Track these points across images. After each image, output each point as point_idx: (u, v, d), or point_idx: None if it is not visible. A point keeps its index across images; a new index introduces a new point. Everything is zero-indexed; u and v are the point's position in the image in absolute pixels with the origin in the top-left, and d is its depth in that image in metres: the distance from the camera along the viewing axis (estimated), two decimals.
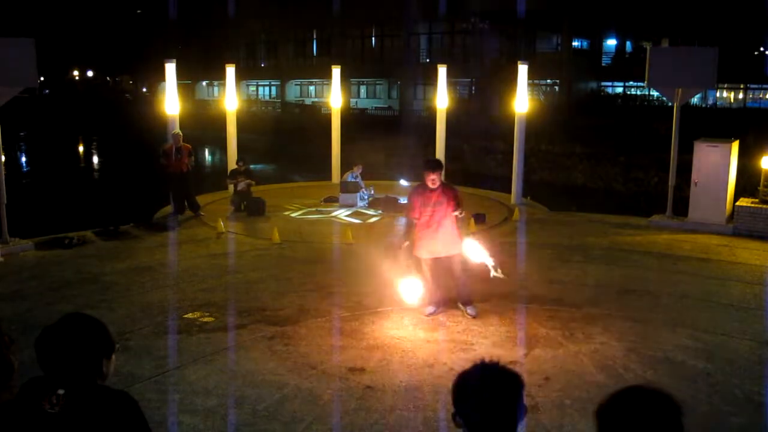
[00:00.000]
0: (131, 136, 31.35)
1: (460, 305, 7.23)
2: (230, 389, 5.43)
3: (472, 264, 7.20)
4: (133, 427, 2.17)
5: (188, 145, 12.39)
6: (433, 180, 6.90)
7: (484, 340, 6.51)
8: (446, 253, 7.07)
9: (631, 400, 1.88)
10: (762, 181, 11.22)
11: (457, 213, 6.99)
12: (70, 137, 39.18)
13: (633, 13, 32.35)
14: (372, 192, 14.02)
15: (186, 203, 12.40)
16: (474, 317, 7.06)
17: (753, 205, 11.08)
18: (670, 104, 12.62)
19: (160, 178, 12.59)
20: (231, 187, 13.64)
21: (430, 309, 7.18)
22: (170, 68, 12.61)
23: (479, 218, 11.95)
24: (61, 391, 2.09)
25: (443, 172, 7.04)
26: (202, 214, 12.43)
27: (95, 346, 2.19)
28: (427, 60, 37.89)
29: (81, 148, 37.60)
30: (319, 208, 13.49)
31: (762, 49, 35.85)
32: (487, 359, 2.01)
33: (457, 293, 7.25)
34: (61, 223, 11.49)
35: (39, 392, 2.11)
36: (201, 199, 13.71)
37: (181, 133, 12.29)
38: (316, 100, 43.73)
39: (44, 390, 2.11)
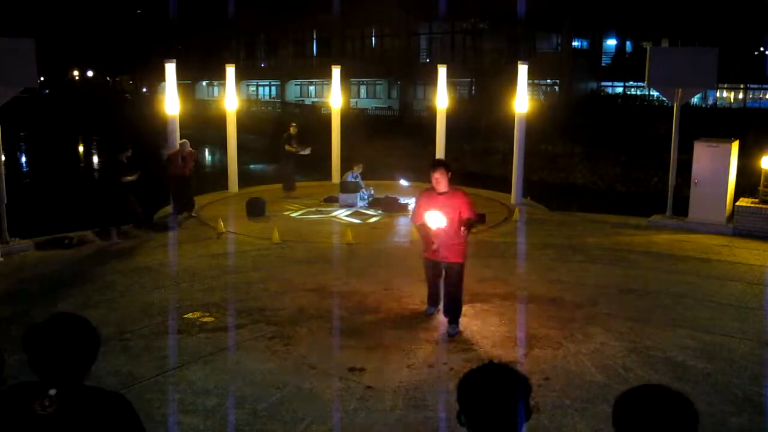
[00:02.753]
0: (131, 136, 31.35)
1: (444, 316, 6.86)
2: (230, 389, 5.43)
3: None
4: (128, 428, 2.15)
5: (193, 151, 12.56)
6: (437, 179, 6.51)
7: (484, 340, 6.51)
8: (446, 260, 6.71)
9: (654, 401, 1.88)
10: (762, 181, 11.22)
11: (463, 229, 6.48)
12: (70, 137, 39.18)
13: (633, 13, 32.36)
14: (372, 192, 14.03)
15: (187, 203, 12.44)
16: (452, 337, 6.57)
17: (753, 205, 11.08)
18: (670, 104, 12.62)
19: (162, 179, 12.56)
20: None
21: (431, 309, 7.14)
22: (170, 68, 12.61)
23: (479, 218, 11.95)
24: (52, 392, 2.07)
25: (449, 174, 6.57)
26: (194, 214, 12.44)
27: (84, 346, 2.17)
28: (427, 60, 37.89)
29: (81, 148, 37.59)
30: (319, 208, 13.49)
31: (762, 49, 35.85)
32: (495, 360, 2.02)
33: (444, 305, 6.87)
34: (61, 223, 11.49)
35: (28, 394, 2.09)
36: (201, 199, 13.72)
37: (188, 142, 12.40)
38: (316, 100, 43.72)
39: (34, 392, 2.08)
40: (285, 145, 14.74)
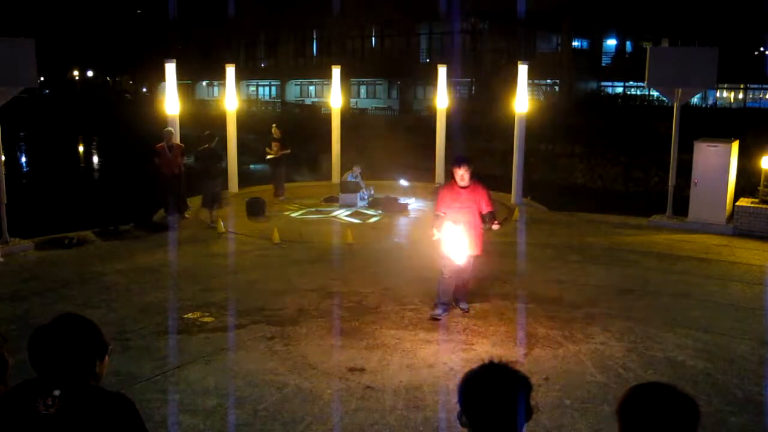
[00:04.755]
0: (131, 136, 31.36)
1: (443, 314, 7.11)
2: (230, 389, 5.43)
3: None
4: (130, 429, 2.15)
5: (181, 144, 12.32)
6: (462, 176, 6.86)
7: (484, 340, 6.51)
8: (474, 252, 7.04)
9: (659, 397, 1.93)
10: (762, 181, 11.22)
11: (494, 224, 6.97)
12: (70, 137, 39.17)
13: (633, 13, 32.34)
14: (372, 192, 14.02)
15: (176, 205, 12.25)
16: (465, 311, 7.18)
17: (753, 205, 11.09)
18: (670, 104, 12.62)
19: (153, 180, 12.43)
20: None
21: (438, 312, 7.08)
22: (170, 68, 12.60)
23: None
24: (56, 392, 2.08)
25: (471, 169, 6.92)
26: (188, 216, 12.37)
27: (88, 347, 2.18)
28: (427, 60, 37.88)
29: (81, 148, 37.59)
30: (319, 208, 13.49)
31: (762, 49, 35.81)
32: (495, 359, 2.02)
33: (456, 289, 7.23)
34: (61, 223, 11.49)
35: (32, 394, 2.09)
36: (200, 200, 13.67)
37: (172, 131, 12.16)
38: (316, 100, 43.73)
39: (38, 391, 2.09)
40: (266, 148, 14.30)
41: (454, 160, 7.14)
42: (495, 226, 7.03)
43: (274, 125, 14.69)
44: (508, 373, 1.97)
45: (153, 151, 12.09)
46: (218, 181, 12.06)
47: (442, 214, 7.01)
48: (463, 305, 7.27)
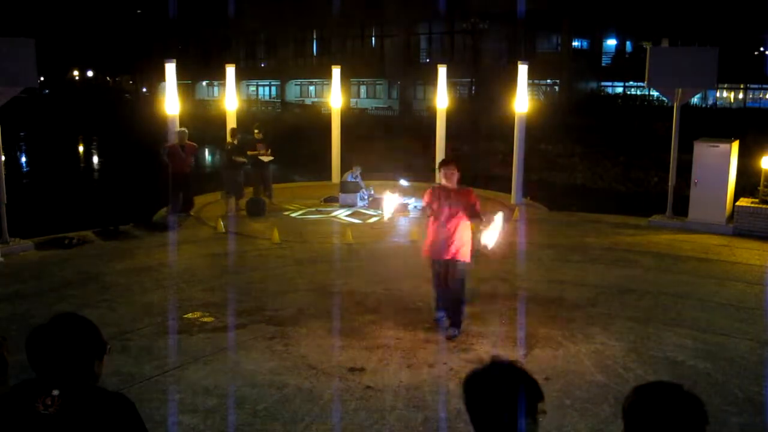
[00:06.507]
0: (131, 136, 31.36)
1: (444, 318, 6.82)
2: (230, 389, 5.43)
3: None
4: (130, 429, 2.15)
5: (193, 144, 12.44)
6: (447, 176, 6.58)
7: (484, 340, 6.51)
8: (451, 257, 6.66)
9: (664, 399, 1.89)
10: (762, 181, 11.22)
11: (478, 220, 6.64)
12: (70, 137, 39.16)
13: (633, 13, 32.35)
14: (372, 192, 14.02)
15: (183, 203, 12.36)
16: (451, 338, 6.52)
17: (753, 205, 11.09)
18: (670, 104, 12.62)
19: (163, 178, 12.51)
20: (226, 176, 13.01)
21: (440, 314, 6.98)
22: (170, 68, 12.61)
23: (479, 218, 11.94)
24: (55, 392, 2.07)
25: (458, 172, 6.64)
26: (192, 214, 12.42)
27: (87, 347, 2.18)
28: (427, 60, 37.89)
29: (81, 148, 37.57)
30: (319, 208, 13.49)
31: (762, 49, 35.83)
32: (504, 360, 2.00)
33: (445, 305, 6.81)
34: (61, 223, 11.49)
35: (31, 394, 2.09)
36: (201, 199, 13.71)
37: (185, 131, 12.30)
38: (316, 100, 43.74)
39: (37, 391, 2.09)
40: (247, 151, 13.67)
41: (439, 162, 6.97)
42: (483, 226, 6.58)
43: (255, 127, 14.33)
44: (510, 372, 1.95)
45: (163, 150, 12.20)
46: (241, 171, 12.78)
47: (429, 209, 6.76)
48: (451, 331, 6.58)
